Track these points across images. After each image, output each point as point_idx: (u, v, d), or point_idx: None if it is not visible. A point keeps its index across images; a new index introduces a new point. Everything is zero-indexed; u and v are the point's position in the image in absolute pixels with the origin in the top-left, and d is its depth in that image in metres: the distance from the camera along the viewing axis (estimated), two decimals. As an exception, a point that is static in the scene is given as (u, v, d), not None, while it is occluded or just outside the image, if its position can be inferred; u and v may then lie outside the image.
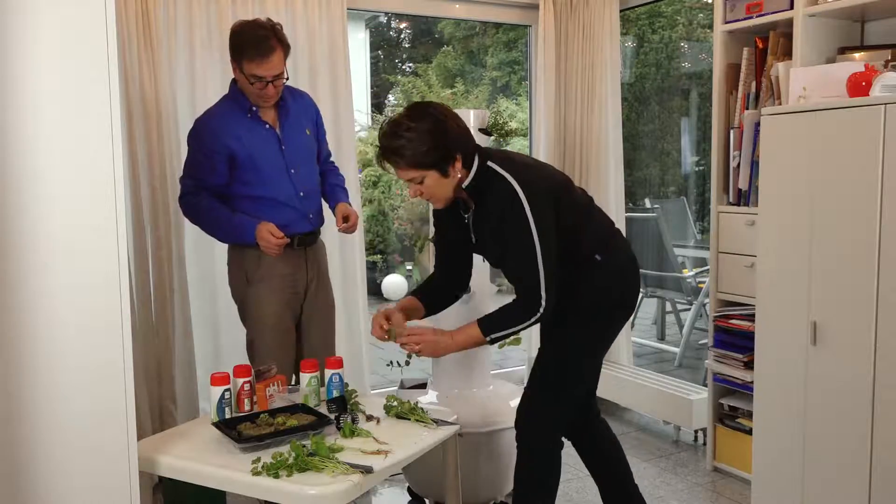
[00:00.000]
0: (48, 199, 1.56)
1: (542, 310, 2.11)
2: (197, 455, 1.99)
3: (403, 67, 11.64)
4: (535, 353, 2.39)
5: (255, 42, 2.45)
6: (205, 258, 3.33)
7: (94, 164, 1.60)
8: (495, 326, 2.17)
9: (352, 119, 3.60)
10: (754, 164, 3.00)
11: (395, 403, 2.25)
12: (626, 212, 4.16)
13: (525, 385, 2.37)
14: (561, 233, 2.16)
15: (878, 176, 2.22)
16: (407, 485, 3.02)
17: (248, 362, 2.62)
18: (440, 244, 2.41)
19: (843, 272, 2.33)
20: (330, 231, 2.95)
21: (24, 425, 1.59)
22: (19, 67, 1.52)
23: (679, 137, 7.81)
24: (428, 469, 2.68)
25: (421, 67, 10.19)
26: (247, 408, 2.23)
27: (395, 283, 8.21)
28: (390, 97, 10.80)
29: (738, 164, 3.09)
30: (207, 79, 3.24)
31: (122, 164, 1.65)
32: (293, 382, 2.61)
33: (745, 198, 3.08)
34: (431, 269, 2.49)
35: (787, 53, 2.94)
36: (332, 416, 2.12)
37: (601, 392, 2.60)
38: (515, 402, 2.38)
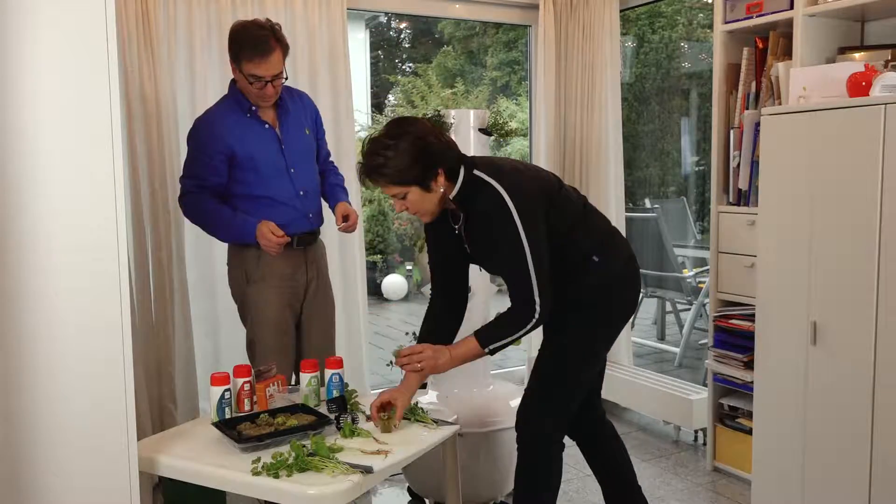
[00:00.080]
0: (48, 198, 1.56)
1: (536, 316, 2.11)
2: (197, 455, 1.99)
3: (403, 67, 11.65)
4: (535, 353, 2.39)
5: (253, 42, 2.46)
6: (205, 258, 3.33)
7: (94, 164, 1.60)
8: (493, 337, 2.17)
9: (352, 119, 3.60)
10: (754, 164, 3.00)
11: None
12: (626, 212, 4.16)
13: (525, 386, 2.37)
14: (555, 235, 2.16)
15: (878, 176, 2.22)
16: (407, 485, 3.02)
17: (248, 362, 2.62)
18: (436, 264, 2.38)
19: (843, 272, 2.33)
20: (330, 231, 2.95)
21: (24, 425, 1.59)
22: (19, 67, 1.52)
23: (679, 137, 7.82)
24: (428, 469, 2.68)
25: (421, 67, 10.19)
26: (247, 408, 2.23)
27: (394, 283, 8.21)
28: (390, 97, 10.80)
29: (738, 164, 3.09)
30: (207, 79, 3.24)
31: (122, 164, 1.65)
32: (293, 382, 2.61)
33: (745, 198, 3.08)
34: (431, 269, 2.49)
35: (787, 53, 2.94)
36: (332, 416, 2.12)
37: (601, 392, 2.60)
38: (515, 402, 2.38)
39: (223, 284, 3.31)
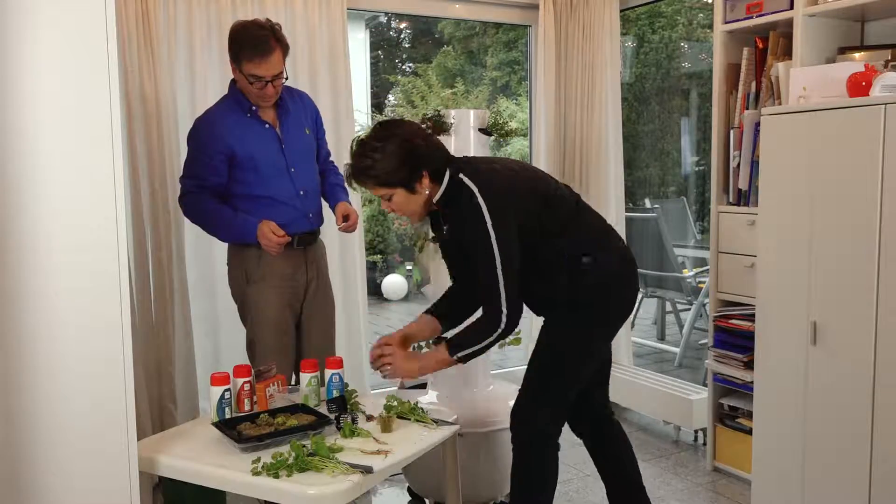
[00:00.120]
0: (48, 198, 1.56)
1: (503, 323, 2.12)
2: (197, 455, 1.99)
3: (403, 67, 11.64)
4: (534, 353, 2.39)
5: (253, 42, 2.46)
6: (205, 258, 3.33)
7: (94, 164, 1.60)
8: (461, 346, 2.19)
9: (352, 119, 3.60)
10: (754, 164, 3.00)
11: (395, 403, 2.25)
12: (626, 212, 4.16)
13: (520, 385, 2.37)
14: (548, 235, 2.17)
15: (878, 176, 2.22)
16: (407, 485, 3.02)
17: (248, 362, 2.62)
18: (445, 257, 2.42)
19: (843, 272, 2.33)
20: (330, 231, 2.95)
21: (24, 425, 1.59)
22: (19, 67, 1.52)
23: (679, 137, 7.82)
24: (428, 469, 2.68)
25: (421, 67, 10.19)
26: (247, 408, 2.23)
27: (394, 283, 8.21)
28: (390, 97, 10.80)
29: (738, 164, 3.09)
30: (207, 79, 3.24)
31: (122, 164, 1.65)
32: (293, 382, 2.61)
33: (745, 198, 3.08)
34: (431, 270, 2.49)
35: (787, 53, 2.94)
36: (332, 417, 2.12)
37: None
38: (515, 402, 2.38)
39: (223, 284, 3.31)
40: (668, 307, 5.67)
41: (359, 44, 9.98)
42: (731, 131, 3.13)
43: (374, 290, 8.11)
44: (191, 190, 2.60)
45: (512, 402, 2.32)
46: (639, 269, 2.39)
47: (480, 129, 2.94)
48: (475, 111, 2.95)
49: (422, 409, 2.25)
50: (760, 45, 3.05)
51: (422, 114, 2.39)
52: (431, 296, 2.92)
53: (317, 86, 3.42)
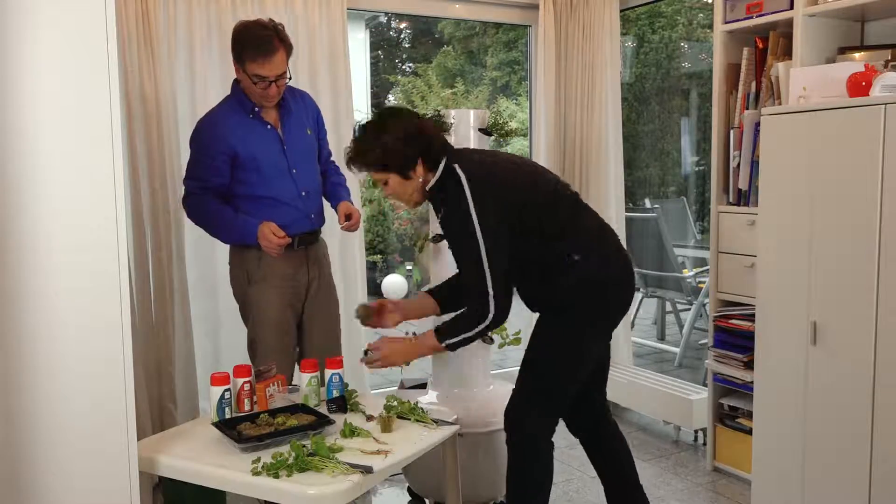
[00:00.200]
0: (48, 198, 1.56)
1: (491, 315, 2.12)
2: (197, 455, 1.99)
3: (403, 67, 11.64)
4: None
5: (257, 42, 2.46)
6: (205, 258, 3.33)
7: (94, 164, 1.60)
8: (449, 333, 2.20)
9: (352, 119, 3.59)
10: (754, 164, 3.00)
11: (395, 403, 2.25)
12: (626, 212, 4.16)
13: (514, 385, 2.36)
14: (545, 234, 2.17)
15: (878, 176, 2.22)
16: (407, 485, 3.02)
17: (248, 362, 2.62)
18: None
19: (843, 272, 2.33)
20: (329, 231, 2.95)
21: (24, 425, 1.59)
22: (19, 67, 1.52)
23: (679, 137, 7.82)
24: (428, 469, 2.68)
25: (421, 67, 10.19)
26: (247, 408, 2.23)
27: (395, 283, 8.21)
28: (390, 97, 10.79)
29: (738, 164, 3.09)
30: (207, 79, 3.24)
31: (122, 164, 1.65)
32: (293, 382, 2.60)
33: (745, 198, 3.08)
34: (431, 270, 2.49)
35: (787, 53, 2.94)
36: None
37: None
38: (515, 402, 2.38)
39: (223, 284, 3.31)
40: (668, 307, 5.67)
41: (359, 44, 9.97)
42: (731, 131, 3.13)
43: (375, 290, 8.10)
44: (193, 191, 2.60)
45: (511, 402, 2.32)
46: (639, 269, 2.40)
47: (480, 129, 2.94)
48: (475, 111, 2.95)
49: (422, 409, 2.25)
50: (760, 45, 3.05)
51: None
52: (431, 296, 2.92)
53: (317, 86, 3.42)
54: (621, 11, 3.97)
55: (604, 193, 3.94)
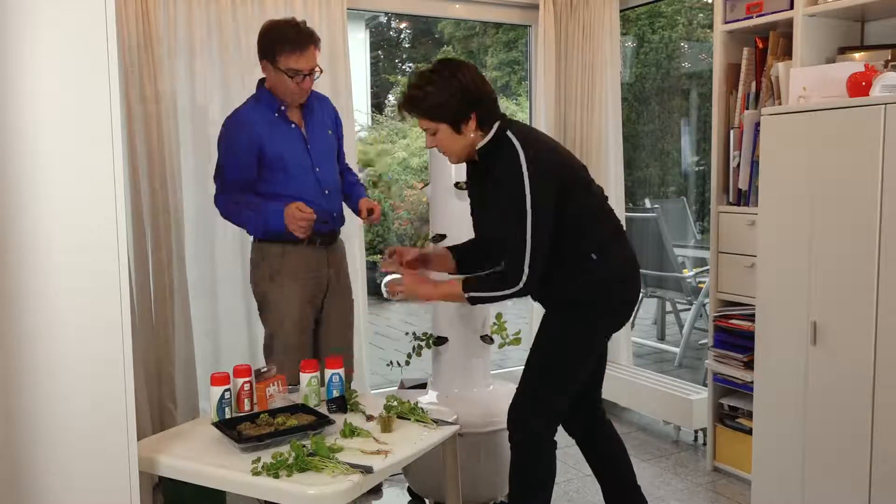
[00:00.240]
0: (48, 199, 1.56)
1: (522, 283, 2.12)
2: (197, 455, 1.99)
3: (403, 67, 11.64)
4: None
5: (291, 36, 2.52)
6: (205, 258, 3.33)
7: (94, 164, 1.60)
8: (476, 287, 2.21)
9: (352, 119, 3.60)
10: (754, 164, 3.00)
11: (395, 403, 2.25)
12: (626, 212, 4.16)
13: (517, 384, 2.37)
14: (564, 224, 2.16)
15: (878, 176, 2.22)
16: (407, 485, 3.02)
17: (248, 362, 2.63)
18: (472, 212, 2.44)
19: (843, 272, 2.33)
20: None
21: (24, 425, 1.59)
22: (19, 67, 1.52)
23: (679, 137, 7.82)
24: (428, 469, 2.68)
25: (421, 67, 10.17)
26: (247, 408, 2.23)
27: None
28: (390, 97, 10.80)
29: (738, 164, 3.09)
30: (207, 79, 3.25)
31: (122, 164, 1.65)
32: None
33: (745, 198, 3.08)
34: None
35: (787, 53, 2.94)
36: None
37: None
38: (515, 402, 2.38)
39: (223, 284, 3.31)
40: (668, 307, 5.67)
41: (359, 44, 9.98)
42: (731, 131, 3.13)
43: (375, 290, 8.09)
44: (222, 188, 2.63)
45: (512, 402, 2.32)
46: (640, 270, 2.39)
47: (480, 129, 2.93)
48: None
49: (422, 409, 2.25)
50: (760, 45, 3.05)
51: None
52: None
53: (317, 85, 3.41)
54: (621, 11, 3.97)
55: (604, 193, 3.94)
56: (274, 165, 2.59)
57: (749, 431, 2.99)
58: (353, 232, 3.41)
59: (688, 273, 5.07)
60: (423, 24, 11.14)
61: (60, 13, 1.54)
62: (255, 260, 2.72)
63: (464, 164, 2.75)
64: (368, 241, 8.01)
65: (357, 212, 2.78)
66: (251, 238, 2.75)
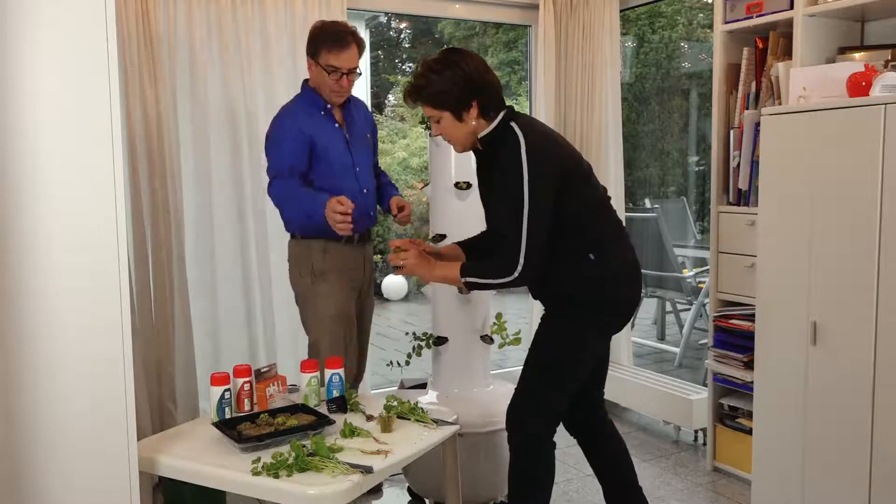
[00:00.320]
0: (48, 199, 1.56)
1: (517, 272, 2.13)
2: (197, 455, 1.99)
3: (403, 67, 11.64)
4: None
5: (334, 35, 2.62)
6: (205, 258, 3.33)
7: (94, 164, 1.60)
8: (472, 272, 2.22)
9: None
10: (754, 164, 3.00)
11: (395, 403, 2.25)
12: (626, 212, 4.16)
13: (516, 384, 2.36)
14: (564, 220, 2.16)
15: (878, 176, 2.22)
16: (407, 485, 3.02)
17: (247, 362, 2.63)
18: (483, 202, 2.45)
19: (843, 272, 2.33)
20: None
21: (24, 425, 1.59)
22: (19, 67, 1.52)
23: (679, 137, 7.82)
24: (428, 469, 2.68)
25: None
26: (247, 408, 2.23)
27: (395, 283, 8.21)
28: (390, 97, 10.80)
29: (738, 164, 3.09)
30: (207, 79, 3.24)
31: (122, 164, 1.65)
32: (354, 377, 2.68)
33: (745, 198, 3.08)
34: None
35: (787, 53, 2.94)
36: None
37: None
38: (515, 402, 2.38)
39: (223, 284, 3.31)
40: (668, 307, 5.67)
41: (359, 44, 9.96)
42: (731, 131, 3.13)
43: (375, 291, 8.11)
44: (278, 174, 2.65)
45: (512, 402, 2.32)
46: (640, 271, 2.39)
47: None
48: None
49: (422, 409, 2.25)
50: (760, 45, 3.05)
51: (422, 113, 2.41)
52: (431, 296, 2.93)
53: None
54: (621, 11, 3.97)
55: (604, 193, 3.94)
56: (321, 158, 2.65)
57: (749, 431, 2.99)
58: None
59: (688, 273, 5.08)
60: (423, 24, 11.14)
61: (60, 13, 1.54)
62: (294, 259, 2.76)
63: (464, 165, 2.76)
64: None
65: (387, 210, 2.84)
66: (289, 236, 2.79)
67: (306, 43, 2.68)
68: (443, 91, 2.18)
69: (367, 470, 1.85)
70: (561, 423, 2.40)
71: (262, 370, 2.34)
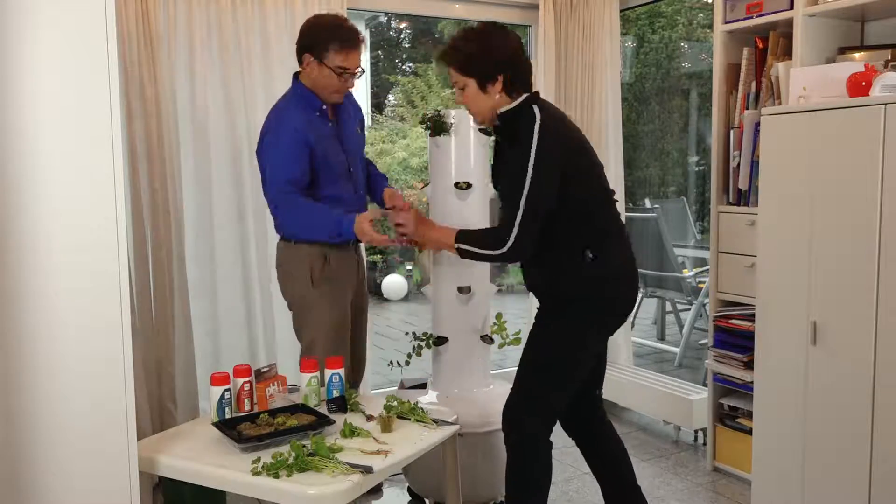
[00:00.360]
0: (48, 199, 1.56)
1: (506, 247, 2.14)
2: (197, 455, 1.99)
3: (403, 67, 11.64)
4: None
5: (346, 34, 2.50)
6: (205, 258, 3.33)
7: (94, 164, 1.60)
8: (465, 239, 2.25)
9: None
10: (754, 164, 3.00)
11: (395, 403, 2.25)
12: (626, 212, 4.16)
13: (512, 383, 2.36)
14: (566, 213, 2.16)
15: (878, 176, 2.22)
16: (407, 485, 3.02)
17: (247, 362, 2.63)
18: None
19: (843, 272, 2.33)
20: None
21: (24, 425, 1.59)
22: (19, 67, 1.52)
23: (679, 137, 7.82)
24: (428, 469, 2.68)
25: (421, 67, 10.19)
26: (247, 408, 2.23)
27: (394, 283, 8.21)
28: (390, 97, 10.80)
29: (738, 164, 3.09)
30: (207, 79, 3.24)
31: (122, 164, 1.65)
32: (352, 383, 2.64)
33: (745, 198, 3.08)
34: (431, 270, 2.50)
35: (787, 53, 2.94)
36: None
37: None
38: (515, 402, 2.38)
39: (223, 284, 3.30)
40: (668, 307, 5.67)
41: (359, 44, 9.95)
42: (731, 131, 3.13)
43: (375, 291, 8.11)
44: (283, 191, 2.50)
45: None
46: (639, 269, 2.39)
47: (480, 129, 2.93)
48: (475, 111, 2.95)
49: (422, 409, 2.25)
50: (760, 45, 3.05)
51: (421, 114, 2.41)
52: (431, 296, 2.92)
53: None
54: (621, 11, 3.98)
55: (604, 193, 3.94)
56: (319, 164, 2.54)
57: (749, 431, 2.99)
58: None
59: (688, 273, 5.08)
60: (423, 24, 11.14)
61: (60, 13, 1.54)
62: (289, 264, 2.61)
63: (463, 165, 2.75)
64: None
65: (380, 201, 2.76)
66: (279, 241, 2.65)
67: (302, 36, 2.54)
68: (472, 55, 2.22)
69: (367, 470, 1.85)
70: (559, 424, 2.41)
71: (262, 370, 2.34)
